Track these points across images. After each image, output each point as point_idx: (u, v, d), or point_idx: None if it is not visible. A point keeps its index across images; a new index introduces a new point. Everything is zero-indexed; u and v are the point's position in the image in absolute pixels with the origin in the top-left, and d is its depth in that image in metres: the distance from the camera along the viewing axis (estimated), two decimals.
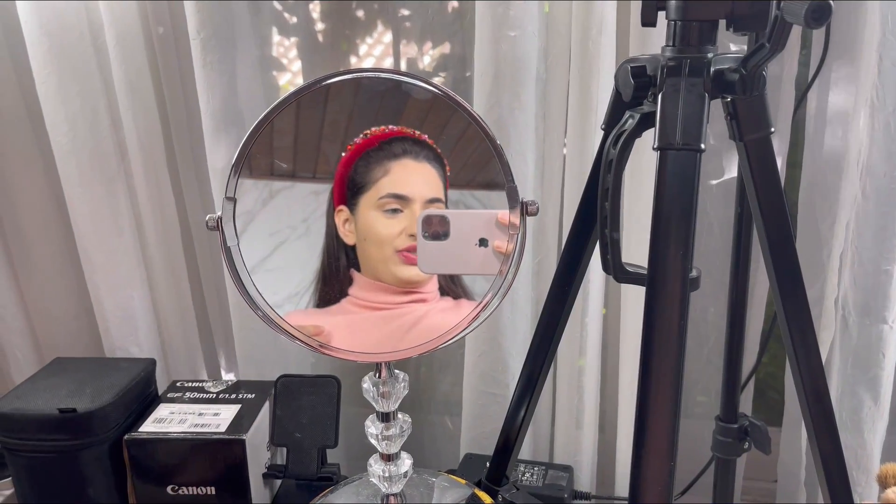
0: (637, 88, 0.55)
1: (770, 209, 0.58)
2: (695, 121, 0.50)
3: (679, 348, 0.51)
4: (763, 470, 1.03)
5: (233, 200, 0.57)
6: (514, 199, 0.56)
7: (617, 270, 0.58)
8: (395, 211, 0.57)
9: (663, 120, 0.51)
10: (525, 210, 0.57)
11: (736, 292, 0.81)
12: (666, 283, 0.51)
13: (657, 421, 0.51)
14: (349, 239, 0.58)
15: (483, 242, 0.56)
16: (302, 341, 0.59)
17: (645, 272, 0.54)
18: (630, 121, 0.56)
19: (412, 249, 0.57)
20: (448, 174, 0.57)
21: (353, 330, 0.59)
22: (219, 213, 0.57)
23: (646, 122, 0.55)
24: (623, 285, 0.90)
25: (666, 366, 0.51)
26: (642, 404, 0.51)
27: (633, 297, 0.88)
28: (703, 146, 0.50)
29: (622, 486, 0.97)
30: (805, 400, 0.63)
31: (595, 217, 0.62)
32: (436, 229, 0.56)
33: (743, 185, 0.78)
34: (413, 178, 0.57)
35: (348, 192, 0.57)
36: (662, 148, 0.51)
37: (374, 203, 0.57)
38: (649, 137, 0.56)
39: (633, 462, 0.51)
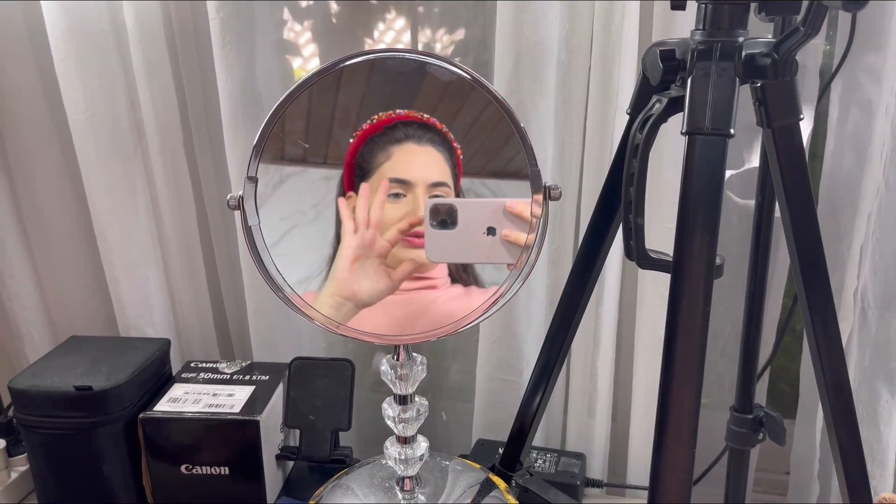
0: (665, 72, 0.55)
1: (796, 197, 0.57)
2: (725, 105, 0.50)
3: (702, 335, 0.51)
4: (775, 462, 1.03)
5: (254, 180, 0.57)
6: (537, 184, 0.56)
7: (640, 257, 0.57)
8: (397, 196, 0.57)
9: (692, 104, 0.51)
10: (548, 195, 0.56)
11: (754, 283, 0.81)
12: (691, 269, 0.50)
13: (679, 407, 0.50)
14: None
15: (491, 231, 0.56)
16: (321, 323, 0.59)
17: (669, 258, 0.53)
18: (657, 105, 0.55)
19: (415, 234, 0.56)
20: (460, 158, 0.56)
21: (365, 315, 0.59)
22: (240, 192, 0.57)
23: (673, 106, 0.55)
24: (640, 274, 0.89)
25: (689, 353, 0.50)
26: (665, 391, 0.51)
27: (651, 286, 0.87)
28: (732, 131, 0.50)
29: (634, 475, 0.96)
30: (825, 392, 0.63)
31: (617, 203, 0.62)
32: (443, 218, 0.56)
33: (764, 175, 0.77)
34: (415, 162, 0.56)
35: (356, 178, 0.57)
36: (691, 133, 0.50)
37: (377, 188, 0.57)
38: (673, 123, 0.56)
39: (654, 448, 0.51)
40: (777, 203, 0.60)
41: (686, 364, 0.50)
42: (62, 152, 1.01)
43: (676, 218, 0.50)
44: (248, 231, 0.57)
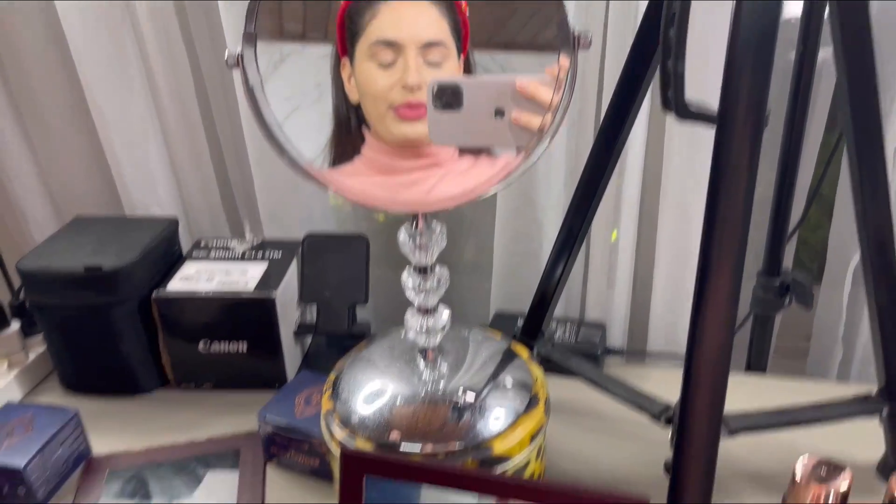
0: None
1: (854, 39, 0.51)
2: None
3: (749, 192, 0.47)
4: (795, 329, 1.02)
5: (253, 37, 0.52)
6: (564, 29, 0.50)
7: (679, 107, 0.52)
8: (390, 64, 0.50)
9: None
10: (577, 42, 0.50)
11: (790, 140, 0.76)
12: (739, 118, 0.46)
13: (723, 268, 0.47)
14: (353, 95, 0.52)
15: (500, 113, 0.50)
16: (334, 188, 0.55)
17: (712, 110, 0.49)
18: None
19: (409, 105, 0.51)
20: (465, 13, 0.50)
21: (371, 195, 0.55)
22: (238, 49, 0.52)
23: None
24: (666, 140, 0.84)
25: (734, 212, 0.47)
26: (706, 255, 0.47)
27: (677, 151, 0.82)
28: None
29: (654, 344, 0.95)
30: (867, 249, 0.59)
31: (653, 50, 0.56)
32: (447, 99, 0.50)
33: (807, 23, 0.71)
34: (404, 18, 0.49)
35: (347, 41, 0.51)
36: None
37: (367, 52, 0.50)
38: None
39: (693, 313, 0.48)
40: (823, 53, 0.55)
41: (730, 224, 0.47)
42: (48, 26, 0.93)
43: (725, 59, 0.45)
44: (249, 91, 0.53)
